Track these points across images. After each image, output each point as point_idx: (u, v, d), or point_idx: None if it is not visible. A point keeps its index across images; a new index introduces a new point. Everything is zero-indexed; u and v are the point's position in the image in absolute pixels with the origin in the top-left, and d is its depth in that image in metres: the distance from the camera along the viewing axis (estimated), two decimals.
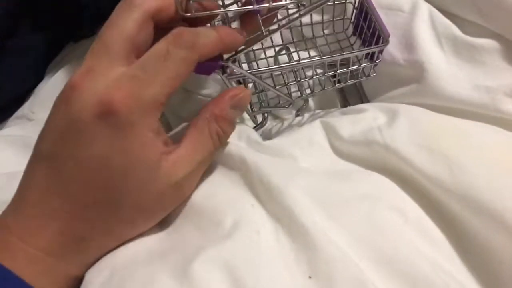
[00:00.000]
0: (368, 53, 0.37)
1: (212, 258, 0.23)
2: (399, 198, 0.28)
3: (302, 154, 0.32)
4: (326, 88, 0.39)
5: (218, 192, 0.28)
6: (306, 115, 0.43)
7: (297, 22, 0.42)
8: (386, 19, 0.40)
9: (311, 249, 0.24)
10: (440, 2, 0.40)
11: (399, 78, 0.38)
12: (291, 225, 0.25)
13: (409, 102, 0.37)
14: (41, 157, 0.25)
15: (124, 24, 0.24)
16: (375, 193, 0.28)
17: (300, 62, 0.35)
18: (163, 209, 0.27)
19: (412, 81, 0.37)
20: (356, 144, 0.32)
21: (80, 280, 0.25)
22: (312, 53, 0.45)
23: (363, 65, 0.37)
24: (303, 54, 0.44)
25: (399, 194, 0.28)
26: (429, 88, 0.35)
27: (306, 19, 0.43)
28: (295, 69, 0.38)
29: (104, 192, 0.24)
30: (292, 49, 0.43)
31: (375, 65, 0.37)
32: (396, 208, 0.27)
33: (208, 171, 0.29)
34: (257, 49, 0.43)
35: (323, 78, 0.38)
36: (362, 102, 0.45)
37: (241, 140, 0.34)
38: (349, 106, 0.44)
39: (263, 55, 0.43)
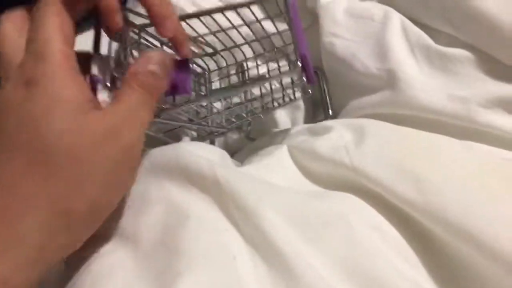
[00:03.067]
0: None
1: (190, 285, 0.23)
2: (374, 217, 0.28)
3: (274, 178, 0.31)
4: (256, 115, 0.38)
5: (191, 216, 0.27)
6: (274, 131, 0.42)
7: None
8: (357, 27, 0.40)
9: (288, 275, 0.23)
10: (412, 13, 0.39)
11: (371, 87, 0.37)
12: (268, 250, 0.25)
13: (381, 112, 0.36)
14: None
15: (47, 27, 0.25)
16: (351, 212, 0.28)
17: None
18: (104, 164, 0.25)
19: (385, 90, 0.36)
20: (325, 166, 0.31)
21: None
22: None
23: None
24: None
25: (373, 213, 0.28)
26: (402, 97, 0.35)
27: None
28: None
29: (44, 152, 0.23)
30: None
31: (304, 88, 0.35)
32: (374, 227, 0.27)
33: (180, 192, 0.28)
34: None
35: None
36: (326, 112, 0.44)
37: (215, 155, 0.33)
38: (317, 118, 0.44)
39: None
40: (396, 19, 0.39)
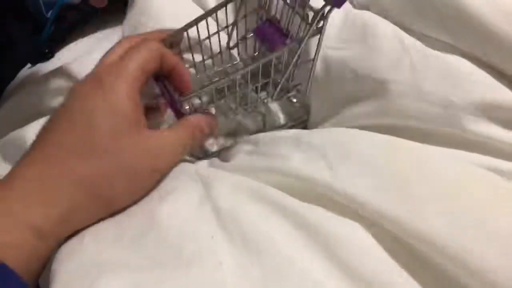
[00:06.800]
0: None
1: None
2: (362, 230, 0.27)
3: None
4: None
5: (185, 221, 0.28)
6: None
7: None
8: (349, 36, 0.39)
9: (280, 277, 0.23)
10: (407, 22, 0.38)
11: (361, 97, 0.36)
12: (258, 251, 0.25)
13: (370, 124, 0.35)
14: (44, 130, 0.30)
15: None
16: (346, 221, 0.27)
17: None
18: (139, 175, 0.30)
19: (376, 100, 0.35)
20: (307, 186, 0.30)
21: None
22: None
23: None
24: None
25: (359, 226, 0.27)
26: (393, 107, 0.34)
27: None
28: None
29: (91, 140, 0.28)
30: None
31: None
32: (364, 235, 0.26)
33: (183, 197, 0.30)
34: None
35: None
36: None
37: None
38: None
39: None
40: (390, 25, 0.38)
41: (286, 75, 0.37)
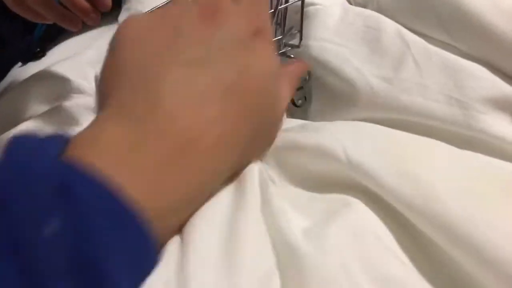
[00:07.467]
0: None
1: None
2: (372, 220, 0.26)
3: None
4: None
5: None
6: None
7: None
8: (350, 33, 0.39)
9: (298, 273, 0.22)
10: (407, 22, 0.38)
11: (364, 93, 0.36)
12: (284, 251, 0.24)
13: (375, 117, 0.35)
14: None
15: None
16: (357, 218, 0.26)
17: None
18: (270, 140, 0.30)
19: (380, 96, 0.35)
20: (316, 162, 0.30)
21: None
22: None
23: None
24: None
25: (370, 215, 0.26)
26: (398, 103, 0.33)
27: None
28: None
29: (256, 105, 0.26)
30: None
31: None
32: (374, 232, 0.25)
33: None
34: None
35: None
36: None
37: None
38: None
39: None
40: (391, 23, 0.38)
41: (275, 17, 0.37)
